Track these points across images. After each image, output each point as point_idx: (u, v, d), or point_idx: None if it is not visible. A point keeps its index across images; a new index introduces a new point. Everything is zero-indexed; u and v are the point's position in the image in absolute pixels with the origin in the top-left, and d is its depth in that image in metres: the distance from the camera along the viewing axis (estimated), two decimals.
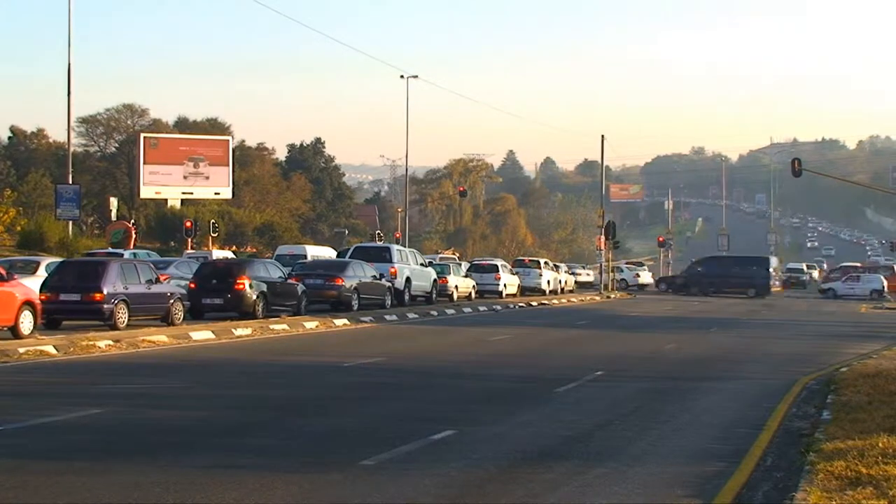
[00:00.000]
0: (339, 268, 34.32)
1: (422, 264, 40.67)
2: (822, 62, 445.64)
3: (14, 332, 21.23)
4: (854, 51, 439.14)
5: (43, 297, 23.23)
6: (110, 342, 21.11)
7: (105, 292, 23.81)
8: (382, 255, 37.95)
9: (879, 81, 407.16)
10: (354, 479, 9.57)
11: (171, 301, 25.80)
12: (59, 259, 32.07)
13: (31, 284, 23.90)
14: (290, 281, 31.19)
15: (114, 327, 23.61)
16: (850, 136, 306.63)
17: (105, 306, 23.79)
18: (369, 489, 9.21)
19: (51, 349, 19.71)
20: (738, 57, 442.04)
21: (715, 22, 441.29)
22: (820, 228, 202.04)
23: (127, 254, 37.27)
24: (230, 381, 17.08)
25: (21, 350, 19.16)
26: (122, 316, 24.13)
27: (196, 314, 28.23)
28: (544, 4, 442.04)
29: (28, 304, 21.79)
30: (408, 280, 37.92)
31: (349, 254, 39.29)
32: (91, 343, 20.66)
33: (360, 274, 34.16)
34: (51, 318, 23.74)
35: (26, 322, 21.59)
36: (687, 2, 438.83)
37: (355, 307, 32.98)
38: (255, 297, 28.62)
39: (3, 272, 22.19)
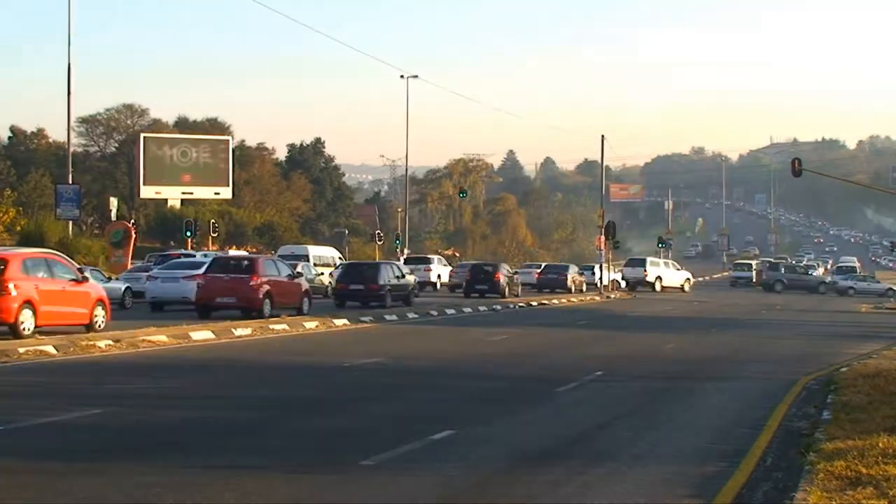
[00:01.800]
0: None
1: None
2: (823, 62, 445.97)
3: (89, 327, 23.28)
4: (854, 51, 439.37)
5: (339, 287, 37.06)
6: (110, 342, 21.09)
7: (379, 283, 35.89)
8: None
9: (879, 81, 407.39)
10: (355, 479, 9.56)
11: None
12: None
13: None
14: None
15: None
16: (850, 136, 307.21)
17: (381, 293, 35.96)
18: (369, 489, 9.20)
19: (51, 349, 19.69)
20: (738, 57, 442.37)
21: (715, 22, 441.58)
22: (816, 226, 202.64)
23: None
24: (230, 381, 17.08)
25: (21, 350, 19.14)
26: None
27: (339, 305, 35.97)
28: (544, 4, 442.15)
29: (100, 302, 23.99)
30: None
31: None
32: (91, 343, 20.65)
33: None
34: (341, 301, 36.25)
35: (99, 318, 23.74)
36: (687, 2, 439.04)
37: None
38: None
39: (80, 274, 24.15)
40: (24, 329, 21.43)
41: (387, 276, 37.08)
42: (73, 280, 23.32)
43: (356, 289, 36.42)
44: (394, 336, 27.03)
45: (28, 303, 21.62)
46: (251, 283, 29.00)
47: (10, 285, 21.37)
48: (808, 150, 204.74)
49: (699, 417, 14.31)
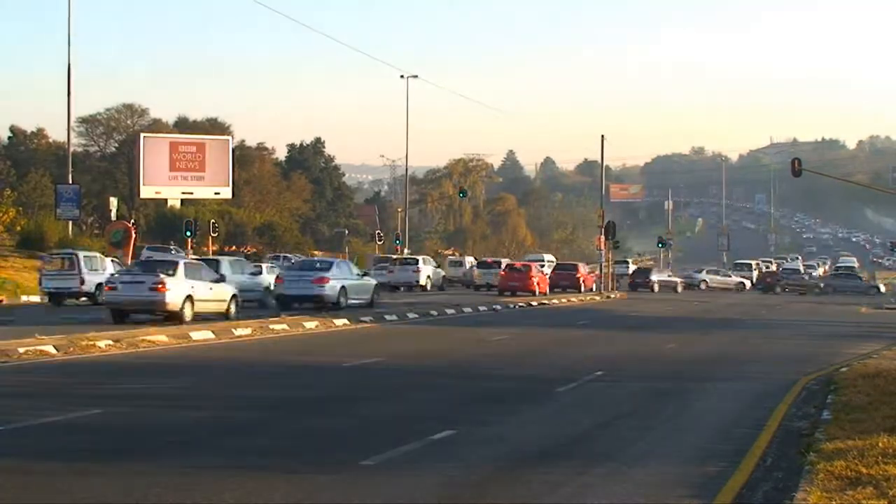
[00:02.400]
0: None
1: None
2: (822, 62, 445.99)
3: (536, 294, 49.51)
4: (854, 51, 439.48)
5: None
6: (110, 342, 21.09)
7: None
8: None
9: (879, 81, 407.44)
10: (354, 479, 9.56)
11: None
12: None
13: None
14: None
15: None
16: (850, 136, 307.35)
17: None
18: (369, 489, 9.20)
19: (51, 349, 19.69)
20: (738, 57, 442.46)
21: (715, 22, 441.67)
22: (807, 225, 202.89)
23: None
24: (230, 381, 17.08)
25: (21, 350, 19.15)
26: None
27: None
28: (544, 4, 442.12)
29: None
30: None
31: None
32: (91, 343, 20.64)
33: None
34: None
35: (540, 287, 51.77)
36: (687, 2, 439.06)
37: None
38: None
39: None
40: (537, 294, 48.75)
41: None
42: (540, 272, 51.20)
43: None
44: (394, 336, 27.02)
45: (539, 282, 50.38)
46: (531, 277, 51.33)
47: (533, 278, 50.25)
48: (808, 150, 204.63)
49: (699, 417, 14.31)
